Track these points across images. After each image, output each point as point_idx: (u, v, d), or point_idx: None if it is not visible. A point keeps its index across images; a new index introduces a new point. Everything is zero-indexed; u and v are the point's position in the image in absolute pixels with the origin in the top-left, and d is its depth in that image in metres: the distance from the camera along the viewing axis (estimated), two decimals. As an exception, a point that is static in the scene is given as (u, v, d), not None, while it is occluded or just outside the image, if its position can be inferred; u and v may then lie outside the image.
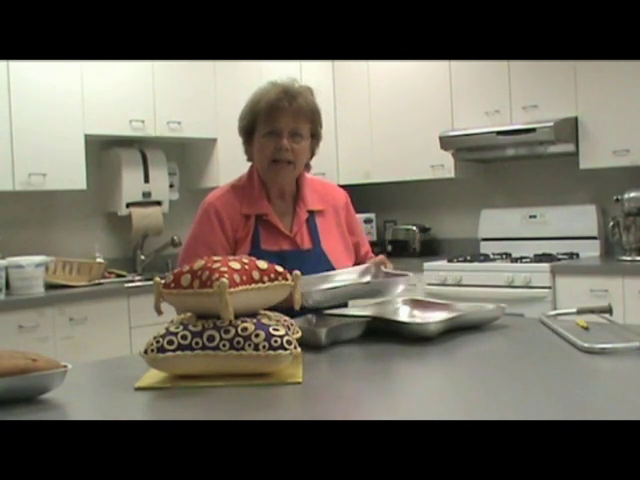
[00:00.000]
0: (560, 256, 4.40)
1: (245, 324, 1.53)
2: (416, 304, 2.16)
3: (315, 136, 2.17)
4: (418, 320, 2.00)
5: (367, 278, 2.10)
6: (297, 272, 1.68)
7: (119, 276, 4.33)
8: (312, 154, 2.20)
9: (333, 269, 2.10)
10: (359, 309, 2.10)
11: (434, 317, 1.98)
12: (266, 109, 2.09)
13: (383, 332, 1.91)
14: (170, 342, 1.52)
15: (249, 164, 2.23)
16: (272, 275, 1.63)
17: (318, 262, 2.07)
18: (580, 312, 2.09)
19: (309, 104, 2.12)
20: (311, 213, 2.19)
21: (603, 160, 4.24)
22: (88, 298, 3.84)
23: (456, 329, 1.94)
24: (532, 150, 4.53)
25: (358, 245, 2.30)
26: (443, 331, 1.89)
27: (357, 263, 2.24)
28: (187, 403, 1.42)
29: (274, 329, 1.53)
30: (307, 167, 2.23)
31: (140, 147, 4.53)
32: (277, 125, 2.08)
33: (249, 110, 2.14)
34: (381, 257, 2.20)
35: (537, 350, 1.82)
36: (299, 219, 2.16)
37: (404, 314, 2.10)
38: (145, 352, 1.53)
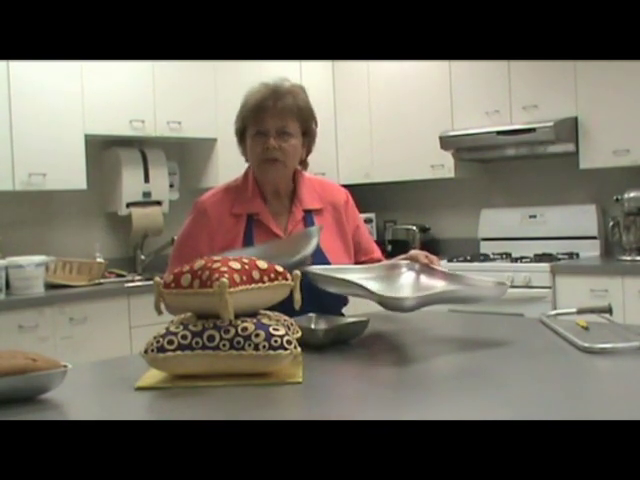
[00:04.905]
0: (560, 256, 4.40)
1: (245, 324, 1.53)
2: (425, 271, 2.05)
3: (308, 134, 2.16)
4: (393, 293, 1.88)
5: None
6: (297, 272, 1.69)
7: (119, 276, 4.33)
8: (308, 152, 2.20)
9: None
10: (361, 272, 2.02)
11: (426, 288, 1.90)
12: (252, 110, 2.10)
13: (383, 330, 1.90)
14: (170, 342, 1.52)
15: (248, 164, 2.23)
16: (272, 275, 1.63)
17: (314, 261, 2.06)
18: (580, 312, 2.09)
19: (297, 102, 2.11)
20: (308, 212, 2.18)
21: (603, 160, 4.24)
22: (88, 298, 3.84)
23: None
24: (532, 150, 4.54)
25: (359, 242, 2.28)
26: (420, 306, 1.81)
27: (359, 262, 2.23)
28: (187, 403, 1.42)
29: (274, 329, 1.53)
30: (304, 165, 2.22)
31: (140, 147, 4.53)
32: (264, 125, 2.09)
33: (240, 112, 2.15)
34: (417, 252, 2.12)
35: (537, 350, 1.81)
36: (294, 218, 2.16)
37: (406, 280, 2.02)
38: (145, 352, 1.53)
